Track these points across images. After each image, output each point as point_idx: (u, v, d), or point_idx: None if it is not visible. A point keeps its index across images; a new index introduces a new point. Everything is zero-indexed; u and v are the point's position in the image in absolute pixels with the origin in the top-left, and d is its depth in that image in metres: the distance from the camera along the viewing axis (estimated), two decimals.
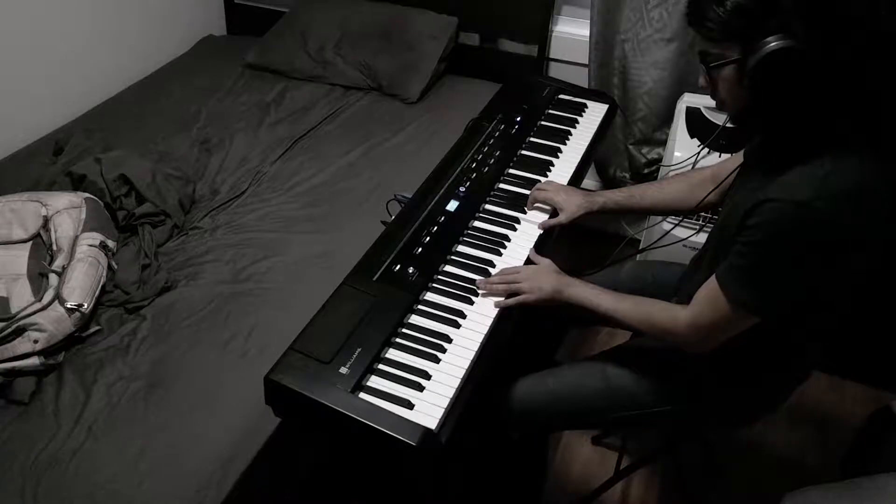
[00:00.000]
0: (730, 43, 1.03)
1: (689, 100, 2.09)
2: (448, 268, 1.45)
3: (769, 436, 2.05)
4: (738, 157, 1.35)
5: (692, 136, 2.02)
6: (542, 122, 1.91)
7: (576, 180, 1.76)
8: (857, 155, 1.02)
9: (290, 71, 2.50)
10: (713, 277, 1.14)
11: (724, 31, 1.02)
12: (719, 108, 1.14)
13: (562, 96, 2.02)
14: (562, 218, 1.55)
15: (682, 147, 2.01)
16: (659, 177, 2.20)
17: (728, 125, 1.63)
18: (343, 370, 1.20)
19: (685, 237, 1.93)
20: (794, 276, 1.06)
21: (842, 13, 0.97)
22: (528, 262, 1.48)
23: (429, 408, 1.18)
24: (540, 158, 1.78)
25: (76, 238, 1.65)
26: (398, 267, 1.41)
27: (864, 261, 1.09)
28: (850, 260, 1.07)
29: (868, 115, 1.05)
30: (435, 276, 1.42)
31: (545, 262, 1.44)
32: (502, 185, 1.69)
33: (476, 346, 1.30)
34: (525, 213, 1.61)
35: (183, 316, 1.60)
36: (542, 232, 1.56)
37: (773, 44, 0.97)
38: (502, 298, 1.38)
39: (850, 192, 1.00)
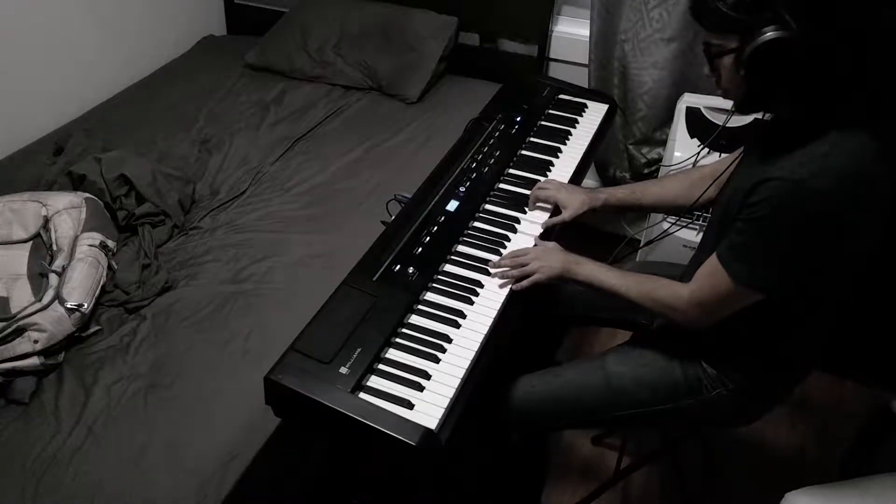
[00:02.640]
0: (730, 34, 1.06)
1: (689, 100, 2.09)
2: (448, 268, 1.45)
3: (769, 436, 2.05)
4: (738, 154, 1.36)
5: (692, 136, 2.02)
6: (542, 122, 1.90)
7: (576, 180, 1.75)
8: (858, 138, 1.04)
9: (290, 71, 2.50)
10: (714, 255, 1.16)
11: (725, 23, 1.06)
12: (724, 96, 1.16)
13: (562, 96, 2.02)
14: (565, 215, 1.56)
15: (682, 147, 2.01)
16: (659, 177, 2.20)
17: (728, 125, 1.63)
18: (343, 370, 1.20)
19: (685, 237, 1.93)
20: (792, 252, 1.08)
21: (835, 4, 0.99)
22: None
23: (429, 408, 1.18)
24: (540, 158, 1.78)
25: (76, 238, 1.65)
26: (398, 267, 1.40)
27: (862, 243, 1.11)
28: (848, 239, 1.08)
29: (868, 100, 1.06)
30: (435, 276, 1.42)
31: (551, 244, 1.46)
32: (502, 185, 1.69)
33: (476, 346, 1.30)
34: (525, 213, 1.61)
35: (183, 316, 1.60)
36: (542, 231, 1.56)
37: (766, 34, 1.00)
38: (513, 283, 1.40)
39: (850, 172, 1.02)
